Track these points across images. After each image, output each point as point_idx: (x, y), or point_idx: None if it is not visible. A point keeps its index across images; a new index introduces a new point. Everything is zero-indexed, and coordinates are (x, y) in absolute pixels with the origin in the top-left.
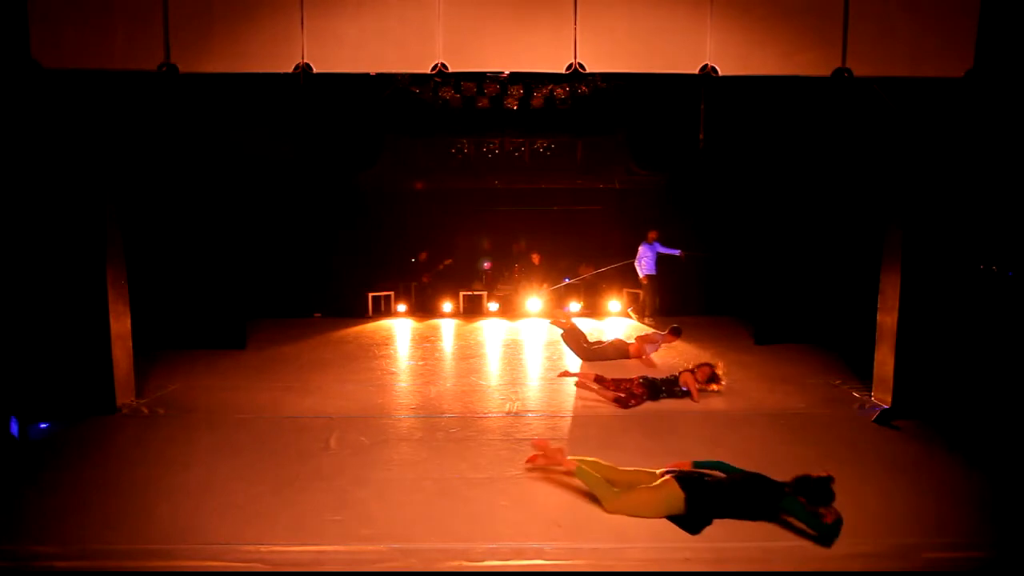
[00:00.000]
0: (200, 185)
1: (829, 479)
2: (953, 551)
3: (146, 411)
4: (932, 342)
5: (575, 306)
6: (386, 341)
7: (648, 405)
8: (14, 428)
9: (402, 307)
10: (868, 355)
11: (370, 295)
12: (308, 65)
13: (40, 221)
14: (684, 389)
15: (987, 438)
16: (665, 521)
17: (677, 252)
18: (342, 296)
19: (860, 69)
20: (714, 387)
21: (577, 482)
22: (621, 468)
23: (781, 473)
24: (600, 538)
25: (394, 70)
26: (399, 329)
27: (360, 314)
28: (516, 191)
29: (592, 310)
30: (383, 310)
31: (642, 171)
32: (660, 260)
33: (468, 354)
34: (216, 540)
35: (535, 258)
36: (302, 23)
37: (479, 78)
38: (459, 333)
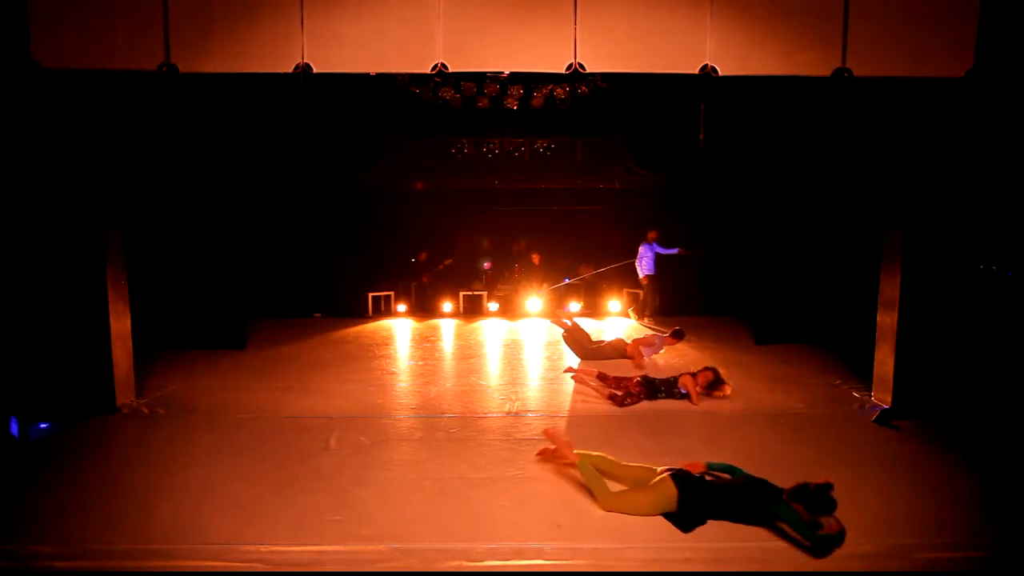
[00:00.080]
0: (200, 185)
1: (828, 486)
2: (953, 551)
3: (146, 411)
4: (932, 342)
5: (575, 306)
6: (386, 341)
7: (648, 405)
8: (14, 428)
9: (402, 307)
10: (868, 355)
11: (370, 295)
12: (308, 65)
13: (40, 221)
14: (683, 391)
15: (987, 438)
16: (665, 521)
17: (676, 251)
18: (342, 296)
19: (860, 69)
20: (718, 394)
21: (579, 479)
22: (624, 464)
23: (781, 473)
24: (600, 538)
25: (394, 70)
26: (399, 329)
27: (360, 314)
28: (516, 191)
29: (592, 310)
30: (383, 310)
31: (642, 171)
32: (660, 260)
33: (468, 354)
34: (216, 540)
35: (535, 258)
36: (302, 23)
37: (479, 78)
38: (459, 333)
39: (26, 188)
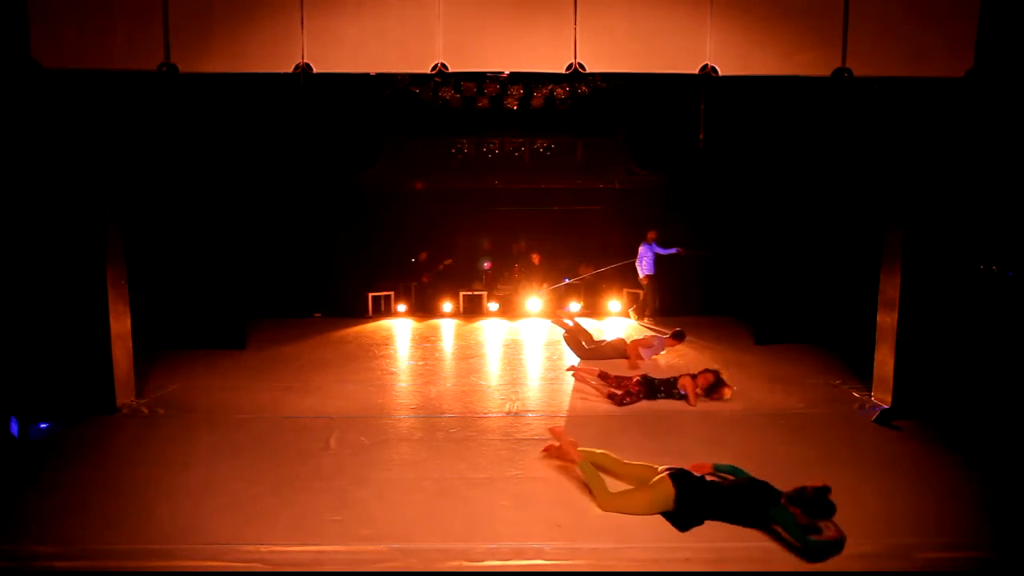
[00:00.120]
0: (200, 185)
1: (826, 490)
2: (953, 551)
3: (146, 411)
4: (932, 342)
5: (575, 306)
6: (386, 341)
7: (648, 405)
8: (14, 428)
9: (402, 307)
10: (868, 355)
11: (370, 295)
12: (308, 65)
13: (40, 221)
14: (682, 392)
15: (987, 438)
16: (665, 521)
17: (674, 251)
18: (342, 296)
19: (860, 69)
20: (717, 396)
21: (580, 478)
22: (626, 462)
23: (781, 473)
24: (600, 538)
25: (394, 70)
26: (399, 329)
27: (360, 314)
28: (516, 191)
29: (592, 310)
30: (383, 310)
31: (642, 171)
32: (660, 260)
33: (468, 354)
34: (216, 540)
35: (535, 258)
36: (302, 23)
37: (479, 78)
38: (459, 333)
39: (26, 188)
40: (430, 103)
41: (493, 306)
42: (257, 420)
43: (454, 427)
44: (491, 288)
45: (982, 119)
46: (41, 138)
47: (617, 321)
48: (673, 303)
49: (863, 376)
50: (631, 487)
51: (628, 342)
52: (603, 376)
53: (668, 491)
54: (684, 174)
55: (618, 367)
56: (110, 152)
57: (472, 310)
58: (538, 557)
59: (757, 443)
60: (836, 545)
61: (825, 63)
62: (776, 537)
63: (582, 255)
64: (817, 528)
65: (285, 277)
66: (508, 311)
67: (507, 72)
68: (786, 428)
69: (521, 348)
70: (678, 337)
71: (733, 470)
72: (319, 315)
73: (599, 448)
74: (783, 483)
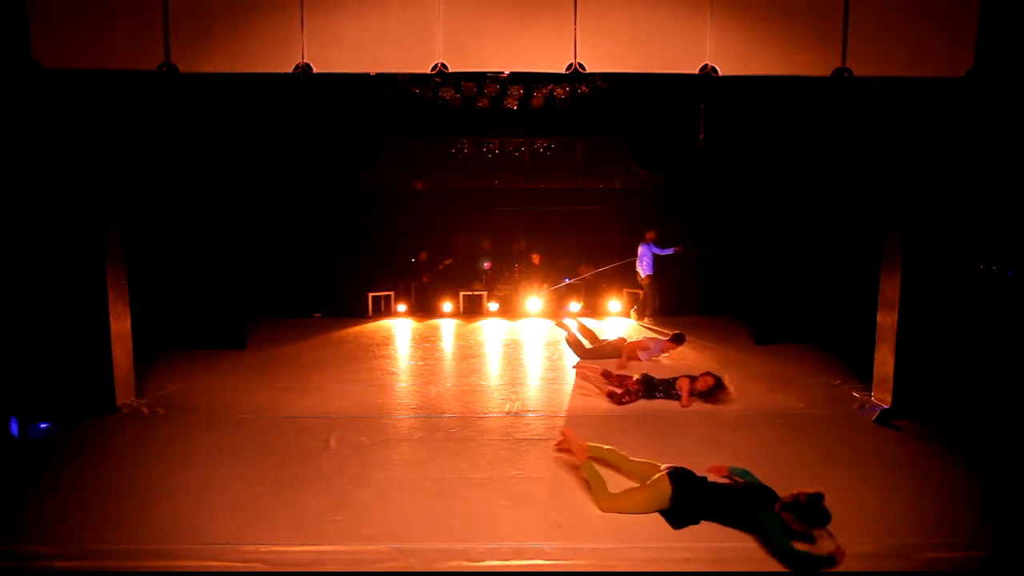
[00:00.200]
0: (200, 185)
1: (819, 496)
2: (953, 551)
3: (146, 411)
4: (932, 342)
5: (575, 306)
6: (386, 341)
7: (649, 405)
8: (14, 428)
9: (402, 307)
10: (868, 355)
11: (370, 295)
12: (308, 65)
13: (40, 221)
14: (680, 393)
15: (987, 438)
16: (665, 522)
17: (672, 251)
18: (342, 296)
19: (860, 69)
20: (716, 399)
21: (580, 479)
22: (632, 459)
23: (781, 473)
24: (600, 538)
25: (394, 70)
26: (399, 329)
27: (360, 314)
28: (516, 191)
29: (592, 310)
30: (383, 310)
31: (642, 171)
32: (660, 260)
33: (468, 354)
34: (216, 540)
35: (535, 258)
36: (302, 23)
37: (479, 78)
38: (459, 333)
39: (26, 188)
40: (430, 103)
41: (493, 306)
42: (257, 420)
43: (454, 427)
44: (491, 288)
45: (982, 119)
46: (41, 138)
47: (617, 321)
48: (673, 303)
49: (863, 376)
50: (632, 486)
51: (623, 343)
52: (606, 375)
53: (665, 489)
54: (684, 174)
55: (622, 366)
56: (110, 152)
57: (472, 310)
58: (538, 557)
59: (757, 443)
60: (825, 560)
61: (825, 63)
62: (762, 541)
63: (582, 255)
64: (811, 537)
65: (285, 277)
66: (508, 311)
67: (507, 72)
68: (786, 428)
69: (521, 348)
70: (677, 340)
71: (744, 473)
72: (319, 315)
73: (606, 444)
74: (783, 483)
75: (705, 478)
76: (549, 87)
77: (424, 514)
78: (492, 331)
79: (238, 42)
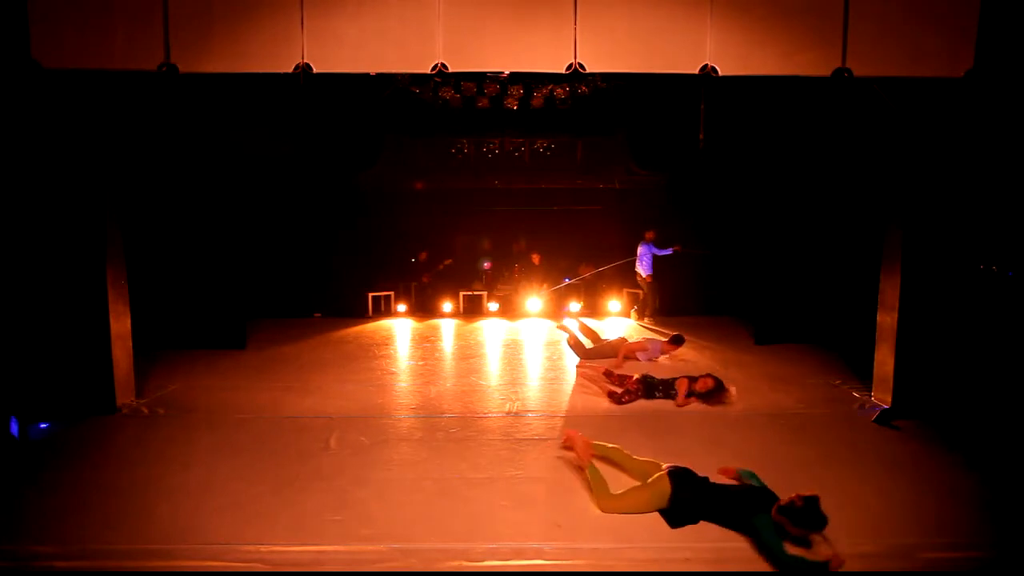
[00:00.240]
0: (200, 185)
1: (814, 499)
2: (953, 551)
3: (146, 411)
4: (932, 342)
5: (575, 306)
6: (386, 341)
7: (648, 405)
8: (14, 428)
9: (402, 307)
10: (868, 355)
11: (370, 295)
12: (308, 65)
13: (40, 221)
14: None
15: (987, 438)
16: (664, 522)
17: (670, 251)
18: (342, 296)
19: (860, 69)
20: (716, 401)
21: (581, 478)
22: (636, 458)
23: (781, 473)
24: (600, 538)
25: (394, 70)
26: (399, 329)
27: (360, 314)
28: (516, 191)
29: (592, 310)
30: (383, 310)
31: (642, 171)
32: (660, 259)
33: (468, 354)
34: (216, 540)
35: (535, 258)
36: (302, 23)
37: (479, 78)
38: (459, 333)
39: (26, 188)
40: (430, 103)
41: (493, 306)
42: (257, 420)
43: (454, 427)
44: (491, 288)
45: (982, 119)
46: (41, 138)
47: (617, 321)
48: (673, 303)
49: (863, 376)
50: (633, 485)
51: (624, 343)
52: (607, 374)
53: (665, 488)
54: (684, 174)
55: (624, 366)
56: (110, 152)
57: (472, 310)
58: (538, 557)
59: (757, 443)
60: (819, 568)
61: (825, 63)
62: (756, 545)
63: (582, 255)
64: (807, 542)
65: (285, 277)
66: (508, 311)
67: (507, 72)
68: (786, 428)
69: (521, 348)
70: (676, 342)
71: (751, 476)
72: (319, 315)
73: (611, 443)
74: (783, 483)
75: (706, 478)
76: (549, 87)
77: (424, 514)
78: (492, 331)
79: (238, 42)
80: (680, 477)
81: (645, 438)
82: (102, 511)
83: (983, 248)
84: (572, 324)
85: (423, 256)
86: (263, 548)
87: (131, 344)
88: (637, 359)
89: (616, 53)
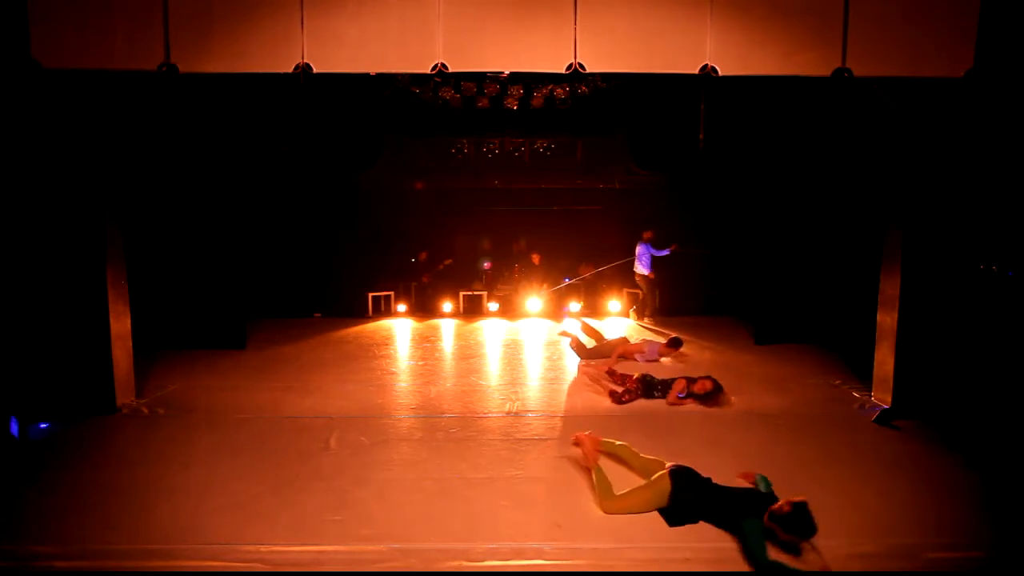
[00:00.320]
0: (200, 185)
1: (802, 505)
2: (953, 551)
3: (146, 411)
4: (932, 342)
5: (575, 306)
6: (386, 341)
7: (647, 404)
8: (14, 428)
9: (402, 307)
10: (868, 355)
11: (370, 295)
12: (308, 65)
13: (40, 221)
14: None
15: (987, 438)
16: (664, 520)
17: (667, 252)
18: (342, 296)
19: (860, 69)
20: (714, 403)
21: (581, 481)
22: (642, 456)
23: (781, 473)
24: (600, 538)
25: (394, 70)
26: (399, 329)
27: (360, 314)
28: (516, 191)
29: (592, 310)
30: (383, 310)
31: (642, 171)
32: (659, 259)
33: (468, 354)
34: (216, 540)
35: (535, 258)
36: (302, 23)
37: (479, 78)
38: (459, 333)
39: (26, 188)
40: (430, 103)
41: (493, 306)
42: (257, 420)
43: (454, 427)
44: (491, 288)
45: (982, 119)
46: (41, 138)
47: (617, 321)
48: (673, 303)
49: (863, 376)
50: (635, 485)
51: (624, 343)
52: (610, 373)
53: (665, 486)
54: (684, 174)
55: (625, 366)
56: (110, 152)
57: (472, 310)
58: (538, 557)
59: (757, 443)
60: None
61: (825, 63)
62: (742, 547)
63: (582, 255)
64: (797, 549)
65: (285, 277)
66: (508, 311)
67: (507, 72)
68: (786, 428)
69: (521, 348)
70: (674, 344)
71: (762, 480)
72: (319, 315)
73: (618, 439)
74: (783, 483)
75: (709, 479)
76: (549, 87)
77: (424, 514)
78: (492, 331)
79: (238, 42)
80: (681, 476)
81: (645, 438)
82: (102, 511)
83: (983, 248)
84: (574, 325)
85: (423, 256)
86: (263, 548)
87: (131, 344)
88: (635, 360)
89: (616, 53)
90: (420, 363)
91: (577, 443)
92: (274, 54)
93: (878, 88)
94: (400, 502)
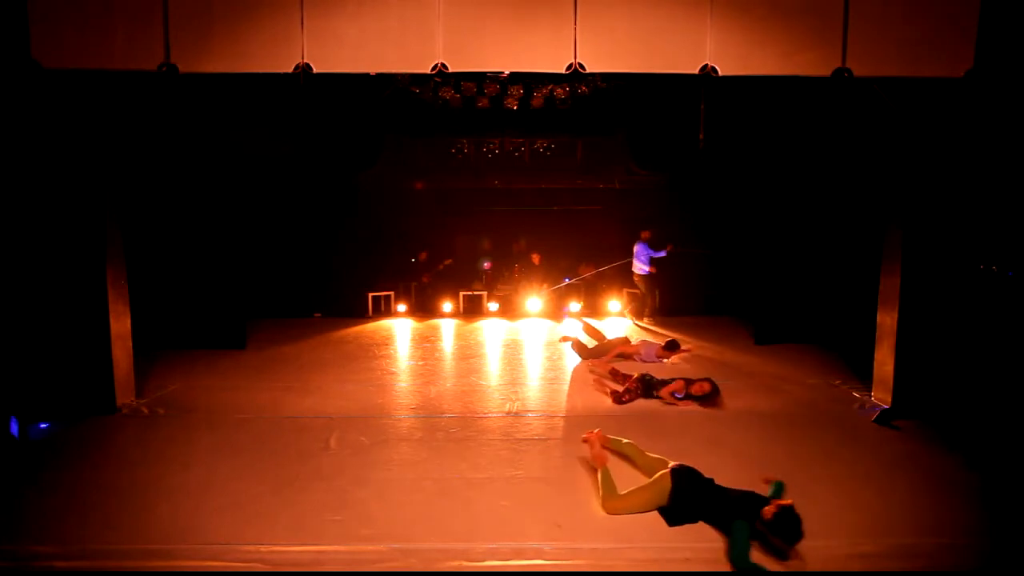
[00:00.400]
0: (200, 185)
1: (788, 508)
2: (953, 551)
3: (146, 411)
4: (932, 342)
5: (575, 306)
6: (386, 341)
7: (647, 405)
8: (14, 428)
9: (402, 307)
10: (868, 355)
11: (370, 295)
12: (308, 65)
13: (40, 221)
14: (677, 394)
15: (987, 438)
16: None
17: (664, 252)
18: (342, 296)
19: (860, 69)
20: (711, 404)
21: (581, 481)
22: (647, 454)
23: (781, 473)
24: (600, 538)
25: (394, 70)
26: (399, 329)
27: (360, 314)
28: (516, 191)
29: (592, 310)
30: (383, 310)
31: (642, 171)
32: (659, 259)
33: (468, 354)
34: (216, 540)
35: (535, 258)
36: (302, 23)
37: (479, 78)
38: (459, 333)
39: (26, 188)
40: (430, 103)
41: (493, 306)
42: (257, 420)
43: (454, 427)
44: (491, 288)
45: (982, 119)
46: (41, 138)
47: (617, 321)
48: (673, 303)
49: (863, 376)
50: (637, 485)
51: (625, 343)
52: (613, 373)
53: (665, 485)
54: (684, 174)
55: (627, 366)
56: (110, 152)
57: (472, 310)
58: (538, 557)
59: (757, 443)
60: None
61: (825, 63)
62: (727, 548)
63: (582, 255)
64: (784, 554)
65: (285, 277)
66: (508, 311)
67: (507, 72)
68: (786, 428)
69: (521, 348)
70: (671, 347)
71: (776, 485)
72: (319, 315)
73: (625, 438)
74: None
75: (711, 480)
76: (549, 87)
77: (424, 514)
78: (492, 331)
79: (238, 42)
80: (682, 476)
81: (645, 438)
82: (102, 511)
83: (983, 248)
84: (575, 326)
85: (423, 256)
86: (263, 548)
87: (131, 344)
88: (634, 361)
89: (616, 53)
90: (420, 363)
91: (587, 441)
92: (274, 54)
93: (878, 88)
94: (400, 502)
